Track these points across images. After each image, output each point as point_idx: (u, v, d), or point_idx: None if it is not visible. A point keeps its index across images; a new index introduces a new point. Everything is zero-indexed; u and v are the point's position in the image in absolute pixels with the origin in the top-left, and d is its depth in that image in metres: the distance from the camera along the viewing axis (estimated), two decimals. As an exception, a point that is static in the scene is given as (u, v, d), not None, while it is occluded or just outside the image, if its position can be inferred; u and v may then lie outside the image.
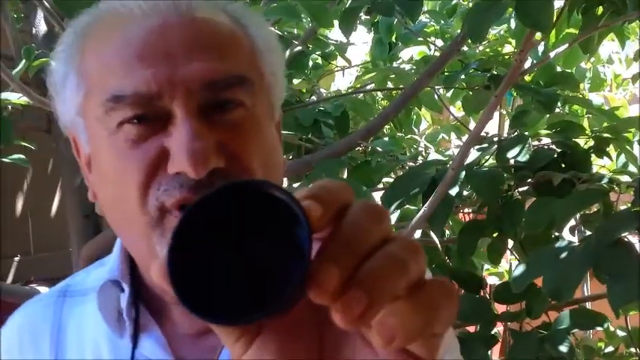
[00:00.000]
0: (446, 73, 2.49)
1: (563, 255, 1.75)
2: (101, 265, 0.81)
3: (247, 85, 0.65)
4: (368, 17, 2.75)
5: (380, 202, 2.11)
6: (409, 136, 3.24)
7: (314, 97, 3.10)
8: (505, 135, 2.46)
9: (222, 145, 0.62)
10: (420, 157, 3.17)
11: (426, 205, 1.96)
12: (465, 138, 3.58)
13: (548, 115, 2.55)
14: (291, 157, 3.28)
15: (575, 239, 2.50)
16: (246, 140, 0.65)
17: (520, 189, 2.24)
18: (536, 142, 2.30)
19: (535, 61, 2.44)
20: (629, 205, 2.29)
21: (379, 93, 3.16)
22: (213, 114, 0.63)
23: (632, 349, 2.56)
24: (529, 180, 2.20)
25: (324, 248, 0.39)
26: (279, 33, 2.58)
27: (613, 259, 1.65)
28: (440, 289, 0.41)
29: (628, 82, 3.47)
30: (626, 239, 1.67)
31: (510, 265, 3.36)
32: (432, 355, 0.41)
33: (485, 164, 2.23)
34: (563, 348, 2.09)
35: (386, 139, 2.88)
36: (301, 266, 0.38)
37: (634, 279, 1.60)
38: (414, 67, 2.70)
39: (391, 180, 3.20)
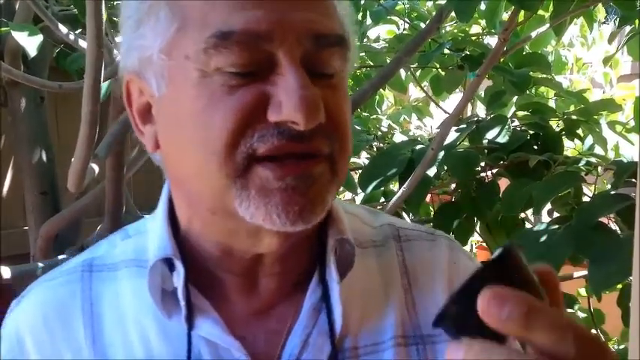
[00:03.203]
0: (418, 53, 2.46)
1: (544, 238, 1.75)
2: (127, 237, 0.75)
3: (345, 47, 0.63)
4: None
5: (357, 182, 2.08)
6: (374, 116, 3.22)
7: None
8: (480, 116, 2.45)
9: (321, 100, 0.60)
10: (385, 138, 3.16)
11: (405, 185, 1.93)
12: (427, 120, 3.60)
13: (516, 98, 2.56)
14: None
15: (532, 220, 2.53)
16: (341, 101, 0.63)
17: (493, 170, 2.24)
18: (506, 124, 2.29)
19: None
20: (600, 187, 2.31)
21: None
22: (311, 68, 0.60)
23: (594, 331, 2.60)
24: (501, 162, 2.20)
25: None
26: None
27: (594, 242, 1.65)
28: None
29: (588, 66, 3.52)
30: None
31: (471, 246, 3.39)
32: None
33: (459, 145, 2.21)
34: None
35: (353, 119, 2.85)
36: None
37: (615, 262, 1.60)
38: (385, 46, 2.66)
39: (355, 160, 3.19)
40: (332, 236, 0.68)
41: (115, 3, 2.85)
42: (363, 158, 3.14)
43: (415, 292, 0.73)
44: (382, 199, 2.71)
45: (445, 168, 2.14)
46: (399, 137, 3.11)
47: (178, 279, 0.66)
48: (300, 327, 0.67)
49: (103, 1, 1.37)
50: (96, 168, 1.63)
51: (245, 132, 0.58)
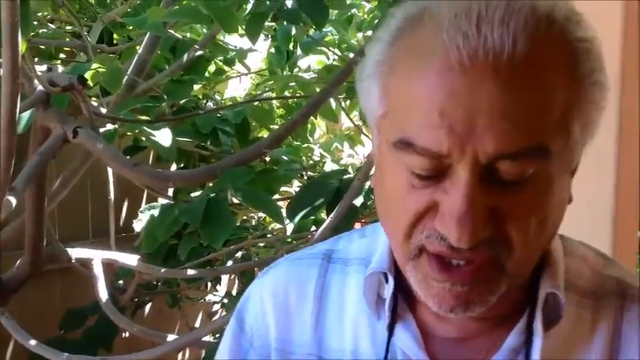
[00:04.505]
0: (346, 83, 2.50)
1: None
2: (363, 236, 0.82)
3: (544, 155, 0.60)
4: (266, 24, 2.72)
5: (285, 212, 2.08)
6: (306, 145, 3.24)
7: (210, 104, 3.03)
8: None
9: (494, 211, 0.60)
10: (316, 167, 3.18)
11: (332, 215, 1.95)
12: (359, 148, 3.64)
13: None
14: (182, 166, 3.20)
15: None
16: (521, 208, 0.61)
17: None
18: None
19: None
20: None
21: (275, 101, 3.14)
22: (494, 175, 0.60)
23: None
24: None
25: None
26: (179, 37, 2.50)
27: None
28: None
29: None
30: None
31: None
32: None
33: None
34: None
35: (283, 147, 2.86)
36: None
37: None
38: (315, 76, 2.69)
39: (288, 189, 3.19)
40: (544, 288, 0.69)
41: (40, 31, 2.81)
42: (295, 187, 3.15)
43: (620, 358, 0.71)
44: (313, 228, 2.72)
45: (372, 197, 2.16)
46: (330, 166, 3.13)
47: (388, 292, 0.72)
48: None
49: (19, 32, 1.34)
50: (13, 201, 1.59)
51: (416, 226, 0.63)
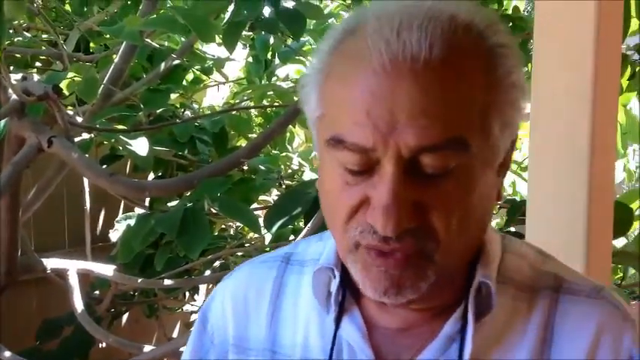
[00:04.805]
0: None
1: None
2: (320, 240, 0.86)
3: (463, 149, 0.65)
4: (244, 34, 2.72)
5: (263, 221, 2.07)
6: (284, 154, 3.24)
7: (188, 113, 3.02)
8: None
9: (419, 204, 0.66)
10: (295, 176, 3.18)
11: (309, 224, 1.95)
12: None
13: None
14: (160, 174, 3.19)
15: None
16: (446, 199, 0.67)
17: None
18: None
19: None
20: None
21: (254, 110, 3.14)
22: (417, 168, 0.65)
23: None
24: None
25: None
26: (156, 45, 2.50)
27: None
28: None
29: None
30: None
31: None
32: None
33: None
34: None
35: (262, 156, 2.86)
36: None
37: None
38: (293, 85, 2.69)
39: (266, 198, 3.19)
40: (477, 276, 0.73)
41: (16, 40, 2.78)
42: (273, 196, 3.15)
43: (553, 349, 0.74)
44: (291, 237, 2.72)
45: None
46: (308, 175, 3.13)
47: (334, 286, 0.77)
48: (430, 351, 0.74)
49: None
50: (-13, 211, 1.57)
51: (351, 222, 0.68)
